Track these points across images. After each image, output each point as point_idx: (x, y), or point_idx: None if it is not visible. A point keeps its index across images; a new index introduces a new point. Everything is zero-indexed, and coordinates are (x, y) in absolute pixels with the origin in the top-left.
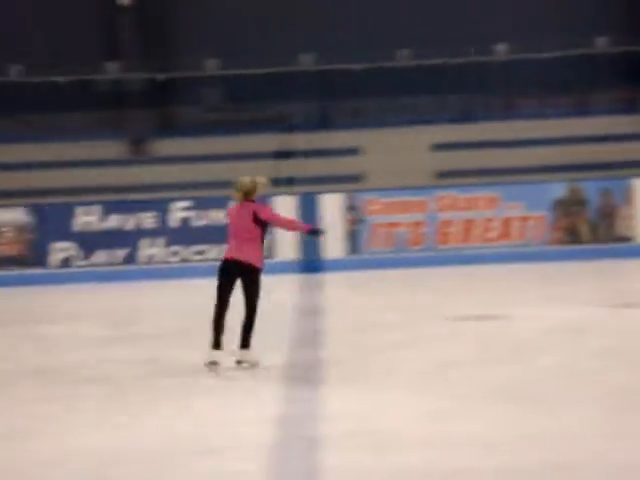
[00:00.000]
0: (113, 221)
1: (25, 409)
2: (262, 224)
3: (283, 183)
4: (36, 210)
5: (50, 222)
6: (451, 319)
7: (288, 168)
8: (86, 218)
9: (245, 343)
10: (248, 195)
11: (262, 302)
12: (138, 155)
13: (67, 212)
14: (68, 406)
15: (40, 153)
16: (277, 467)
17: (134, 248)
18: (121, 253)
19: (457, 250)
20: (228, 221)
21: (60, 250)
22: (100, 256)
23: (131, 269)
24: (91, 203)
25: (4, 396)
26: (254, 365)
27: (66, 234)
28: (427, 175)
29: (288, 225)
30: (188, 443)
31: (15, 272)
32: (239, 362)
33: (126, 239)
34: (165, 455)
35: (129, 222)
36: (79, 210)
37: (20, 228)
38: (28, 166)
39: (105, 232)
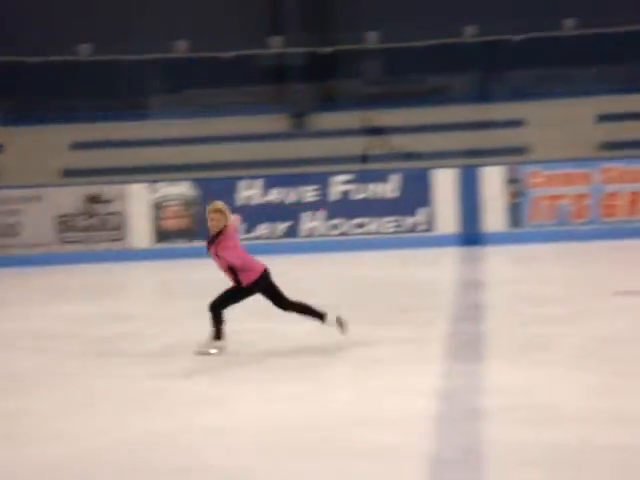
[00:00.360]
0: (275, 195)
1: (213, 378)
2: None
3: (444, 156)
4: (201, 184)
5: (214, 196)
6: (615, 294)
7: (447, 141)
8: (248, 192)
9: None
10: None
11: (422, 275)
12: (299, 129)
13: (230, 186)
14: (220, 375)
15: (204, 128)
16: (440, 440)
17: (295, 221)
18: (282, 226)
19: (623, 223)
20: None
21: None
22: (262, 229)
23: (292, 242)
24: (253, 177)
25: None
26: None
27: (230, 207)
28: (591, 147)
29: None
30: (355, 415)
31: (181, 245)
32: None
33: (287, 212)
34: (335, 426)
35: (290, 196)
36: (242, 184)
37: (185, 202)
38: (193, 141)
39: (267, 205)
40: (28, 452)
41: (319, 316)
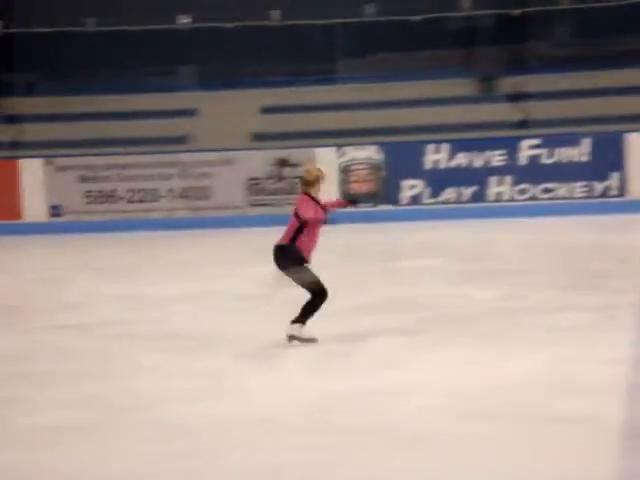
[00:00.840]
0: (462, 159)
1: (396, 341)
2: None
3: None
4: (388, 148)
5: (401, 160)
6: None
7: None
8: (435, 156)
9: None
10: (306, 186)
11: (614, 242)
12: (488, 92)
13: (417, 150)
14: (408, 338)
15: (391, 92)
16: (632, 410)
17: (482, 186)
18: (469, 191)
19: None
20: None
21: (410, 187)
22: (448, 194)
23: (479, 207)
24: (440, 141)
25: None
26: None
27: (416, 172)
28: None
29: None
30: (545, 381)
31: (367, 209)
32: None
33: (474, 177)
34: (523, 392)
35: (477, 160)
36: (429, 148)
37: (372, 166)
38: (380, 105)
39: (454, 170)
40: (222, 406)
41: (302, 319)
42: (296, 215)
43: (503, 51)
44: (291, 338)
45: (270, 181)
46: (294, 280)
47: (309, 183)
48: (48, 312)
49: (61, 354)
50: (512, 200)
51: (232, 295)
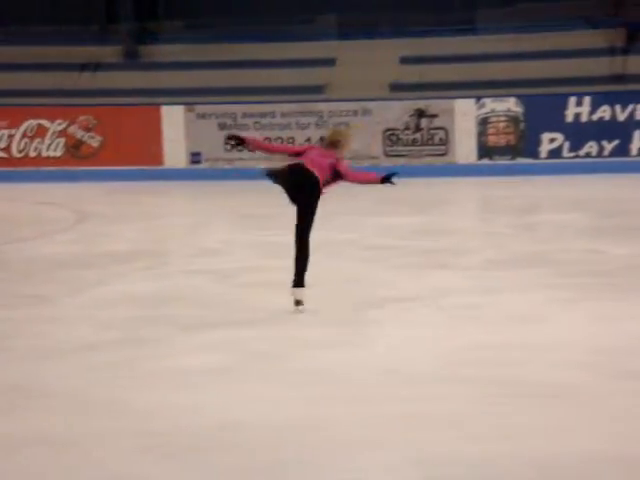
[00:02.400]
0: (604, 112)
1: (534, 295)
2: (335, 176)
3: None
4: (527, 100)
5: (541, 113)
6: None
7: None
8: (577, 109)
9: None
10: (332, 146)
11: None
12: (634, 43)
13: (558, 103)
14: (545, 293)
15: (533, 43)
16: None
17: (625, 140)
18: (611, 145)
19: None
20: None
21: (550, 141)
22: (589, 147)
23: (621, 161)
24: (582, 94)
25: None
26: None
27: (556, 125)
28: None
29: (362, 180)
30: None
31: (506, 162)
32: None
33: (617, 131)
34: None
35: (620, 113)
36: (570, 101)
37: (511, 118)
38: (520, 56)
39: (596, 123)
40: (357, 355)
41: (299, 280)
42: (336, 171)
43: None
44: (299, 303)
45: (407, 132)
46: (302, 210)
47: (334, 143)
48: (186, 257)
49: (199, 299)
50: None
51: (366, 245)
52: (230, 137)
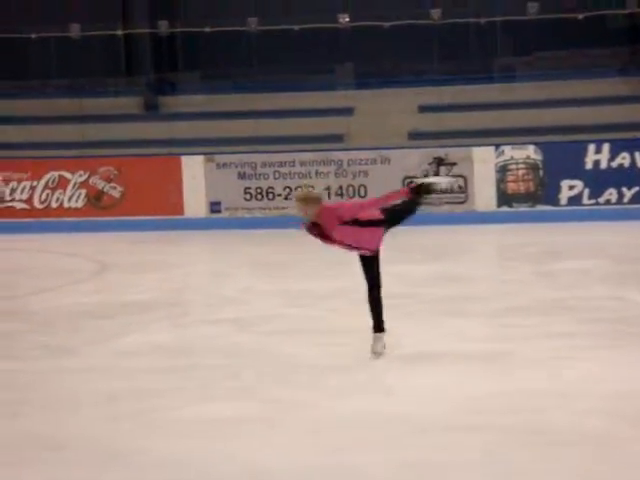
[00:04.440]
0: (623, 159)
1: (557, 342)
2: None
3: None
4: (546, 148)
5: (560, 160)
6: None
7: None
8: (596, 156)
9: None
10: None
11: None
12: None
13: (577, 150)
14: (566, 340)
15: (552, 91)
16: None
17: None
18: (631, 192)
19: None
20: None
21: (569, 188)
22: (609, 194)
23: None
24: (601, 141)
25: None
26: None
27: (576, 172)
28: None
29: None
30: None
31: (525, 209)
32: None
33: (636, 177)
34: None
35: (639, 160)
36: (590, 148)
37: (530, 165)
38: (538, 104)
39: (615, 170)
40: (374, 406)
41: (379, 326)
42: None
43: None
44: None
45: None
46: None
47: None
48: (206, 307)
49: (219, 348)
50: None
51: (385, 293)
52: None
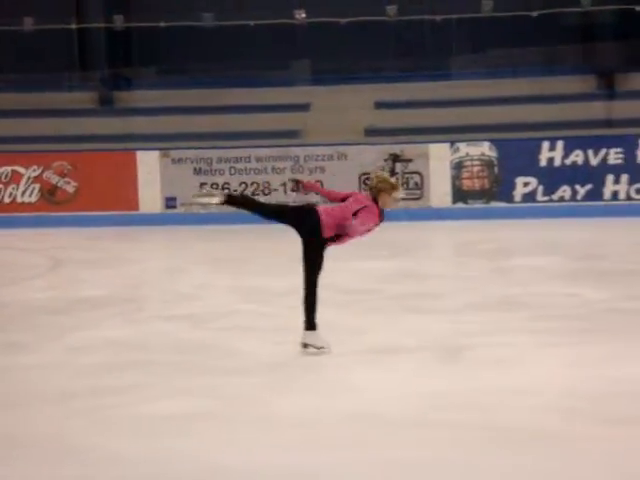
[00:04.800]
0: (577, 157)
1: (512, 338)
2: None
3: None
4: (501, 145)
5: (515, 157)
6: None
7: None
8: (550, 153)
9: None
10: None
11: None
12: (606, 89)
13: (532, 147)
14: (521, 337)
15: (505, 88)
16: None
17: (598, 184)
18: (584, 189)
19: None
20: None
21: (524, 185)
22: (563, 192)
23: (594, 205)
24: (554, 138)
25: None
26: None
27: (530, 169)
28: None
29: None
30: None
31: (480, 205)
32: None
33: (590, 175)
34: (622, 393)
35: (593, 158)
36: (544, 145)
37: (485, 163)
38: (494, 101)
39: (569, 168)
40: (332, 403)
41: (306, 323)
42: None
43: (622, 47)
44: (305, 346)
45: None
46: (307, 251)
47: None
48: (161, 303)
49: (174, 344)
50: (629, 199)
51: (341, 289)
52: (292, 180)
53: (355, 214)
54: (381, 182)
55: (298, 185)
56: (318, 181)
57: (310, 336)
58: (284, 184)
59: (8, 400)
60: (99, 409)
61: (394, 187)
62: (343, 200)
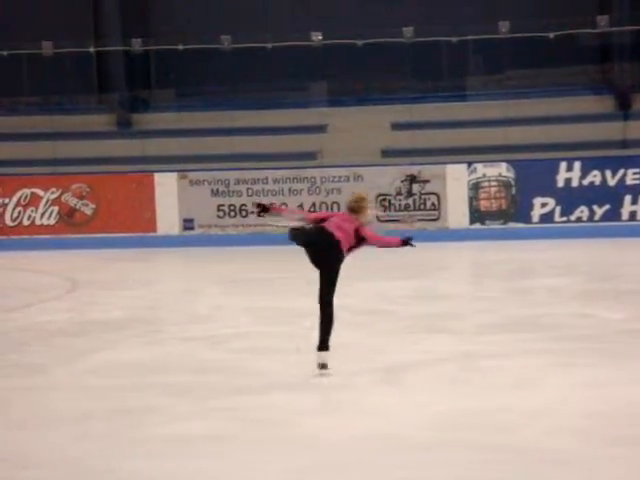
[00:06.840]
0: (595, 177)
1: (532, 359)
2: (359, 241)
3: None
4: (518, 165)
5: (532, 177)
6: None
7: None
8: (568, 174)
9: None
10: (353, 211)
11: None
12: (621, 109)
13: (549, 168)
14: (538, 358)
15: (523, 109)
16: None
17: (615, 204)
18: (602, 209)
19: None
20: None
21: (541, 205)
22: (581, 212)
23: (612, 225)
24: (572, 159)
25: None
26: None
27: (548, 189)
28: None
29: (385, 243)
30: None
31: (497, 226)
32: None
33: (607, 195)
34: (635, 414)
35: (611, 178)
36: (561, 166)
37: (503, 183)
38: (511, 122)
39: (586, 188)
40: (345, 423)
41: (324, 344)
42: (360, 236)
43: (638, 67)
44: (323, 367)
45: (400, 197)
46: (323, 272)
47: (354, 209)
48: (180, 324)
49: (192, 365)
50: None
51: (358, 310)
52: (256, 205)
53: (357, 230)
54: (362, 200)
55: (264, 209)
56: (334, 202)
57: (327, 357)
58: (300, 205)
59: (25, 421)
60: (118, 431)
61: (369, 204)
62: (323, 220)
